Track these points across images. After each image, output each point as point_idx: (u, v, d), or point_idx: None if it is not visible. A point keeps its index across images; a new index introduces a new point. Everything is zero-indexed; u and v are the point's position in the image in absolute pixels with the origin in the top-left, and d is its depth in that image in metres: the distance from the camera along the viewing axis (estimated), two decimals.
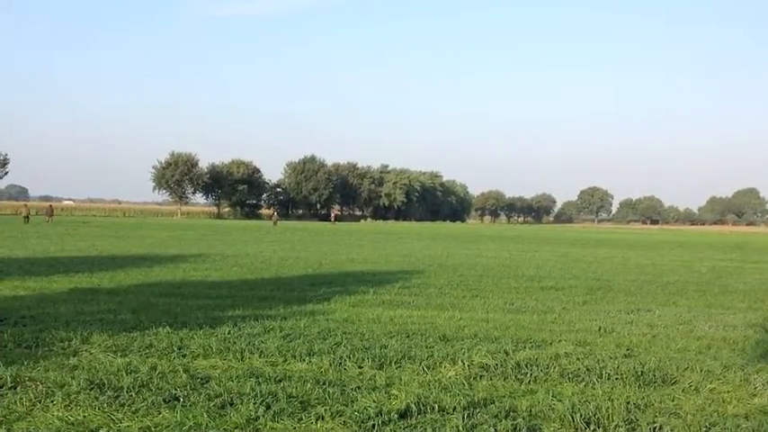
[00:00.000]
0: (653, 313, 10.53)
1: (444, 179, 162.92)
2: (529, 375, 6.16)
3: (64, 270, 14.63)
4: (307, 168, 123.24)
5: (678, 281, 16.33)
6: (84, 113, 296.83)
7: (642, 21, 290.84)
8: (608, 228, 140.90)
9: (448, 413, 5.03)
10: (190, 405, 5.03)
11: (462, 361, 6.53)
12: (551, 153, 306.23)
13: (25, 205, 63.13)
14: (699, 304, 11.92)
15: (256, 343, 7.15)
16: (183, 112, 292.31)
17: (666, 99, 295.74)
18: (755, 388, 5.95)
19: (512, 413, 5.08)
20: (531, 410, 5.14)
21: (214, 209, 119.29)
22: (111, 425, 4.64)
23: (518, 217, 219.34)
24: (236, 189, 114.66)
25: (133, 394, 5.22)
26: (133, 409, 4.92)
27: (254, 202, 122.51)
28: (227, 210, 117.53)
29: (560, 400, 5.38)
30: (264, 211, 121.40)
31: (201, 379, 5.74)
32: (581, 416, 5.02)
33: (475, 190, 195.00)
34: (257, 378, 5.76)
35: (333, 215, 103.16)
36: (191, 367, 6.14)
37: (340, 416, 4.87)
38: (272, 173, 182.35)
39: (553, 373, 6.26)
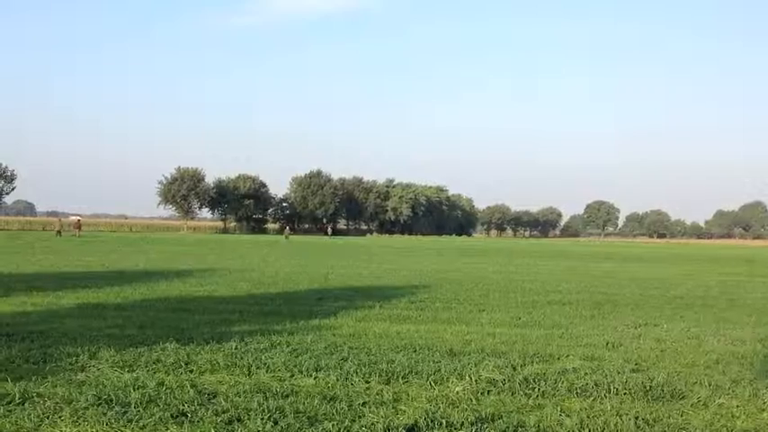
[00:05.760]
0: (661, 327, 10.48)
1: (450, 193, 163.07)
2: (536, 390, 6.13)
3: (71, 285, 14.66)
4: (312, 183, 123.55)
5: (686, 295, 16.25)
6: (89, 129, 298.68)
7: (648, 32, 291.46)
8: (614, 241, 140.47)
9: (456, 428, 5.01)
10: (197, 421, 5.03)
11: (470, 376, 6.51)
12: (557, 167, 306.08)
13: (59, 220, 69.78)
14: (707, 318, 11.85)
15: (263, 358, 7.15)
16: (188, 126, 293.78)
17: (672, 112, 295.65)
18: (764, 403, 5.92)
19: (520, 428, 5.06)
20: (539, 426, 5.12)
21: (220, 223, 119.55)
22: None
23: (524, 231, 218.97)
24: (243, 204, 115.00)
25: (141, 410, 5.23)
26: (141, 424, 4.93)
27: (260, 216, 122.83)
28: (233, 224, 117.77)
29: (568, 416, 5.36)
30: (270, 226, 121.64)
31: (209, 394, 5.74)
32: (589, 431, 5.00)
33: (481, 204, 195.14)
34: (264, 393, 5.76)
35: (329, 230, 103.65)
36: (198, 383, 6.14)
37: (347, 431, 4.87)
38: (278, 187, 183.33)
39: (561, 388, 6.24)
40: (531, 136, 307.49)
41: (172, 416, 5.12)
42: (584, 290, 16.84)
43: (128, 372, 6.48)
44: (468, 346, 8.31)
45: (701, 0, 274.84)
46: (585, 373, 6.79)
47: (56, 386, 5.88)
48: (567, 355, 7.80)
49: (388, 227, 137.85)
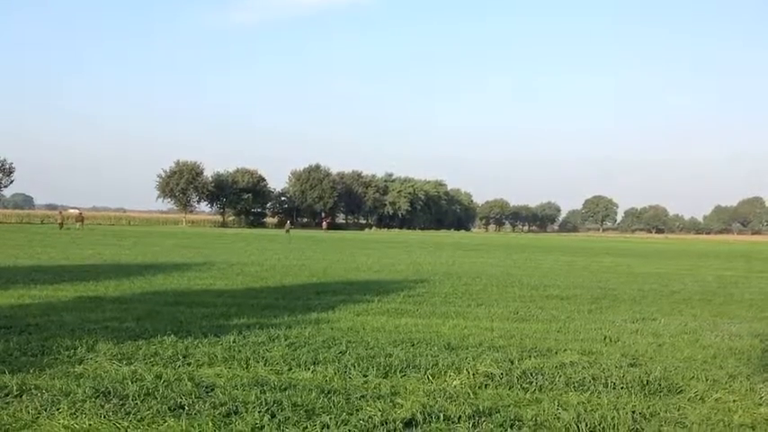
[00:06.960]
0: (658, 322, 10.50)
1: (449, 188, 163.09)
2: (534, 384, 6.14)
3: (69, 278, 14.66)
4: (311, 177, 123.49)
5: (683, 290, 16.27)
6: (88, 123, 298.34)
7: (645, 28, 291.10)
8: (613, 237, 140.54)
9: (453, 422, 5.02)
10: (195, 413, 5.04)
11: (467, 370, 6.52)
12: (556, 162, 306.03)
13: (60, 213, 71.07)
14: (704, 313, 11.87)
15: (261, 351, 7.15)
16: (187, 120, 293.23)
17: (671, 108, 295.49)
18: (761, 397, 5.93)
19: (517, 422, 5.07)
20: (536, 420, 5.13)
21: (219, 217, 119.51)
22: None
23: (523, 226, 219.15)
24: (241, 198, 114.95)
25: (138, 402, 5.23)
26: (138, 417, 4.93)
27: (258, 210, 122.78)
28: (231, 218, 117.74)
29: (566, 410, 5.36)
30: (269, 220, 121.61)
31: (206, 387, 5.75)
32: (586, 425, 5.00)
33: (479, 199, 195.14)
34: (262, 387, 5.77)
35: (325, 223, 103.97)
36: (196, 376, 6.15)
37: (345, 425, 4.87)
38: (277, 181, 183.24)
39: (558, 382, 6.25)
40: (531, 132, 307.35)
41: (169, 408, 5.12)
42: (582, 284, 16.86)
43: (126, 364, 6.48)
44: (465, 340, 8.32)
45: (701, 0, 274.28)
46: (583, 368, 6.81)
47: (54, 378, 5.88)
48: (565, 350, 7.81)
49: (386, 221, 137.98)
